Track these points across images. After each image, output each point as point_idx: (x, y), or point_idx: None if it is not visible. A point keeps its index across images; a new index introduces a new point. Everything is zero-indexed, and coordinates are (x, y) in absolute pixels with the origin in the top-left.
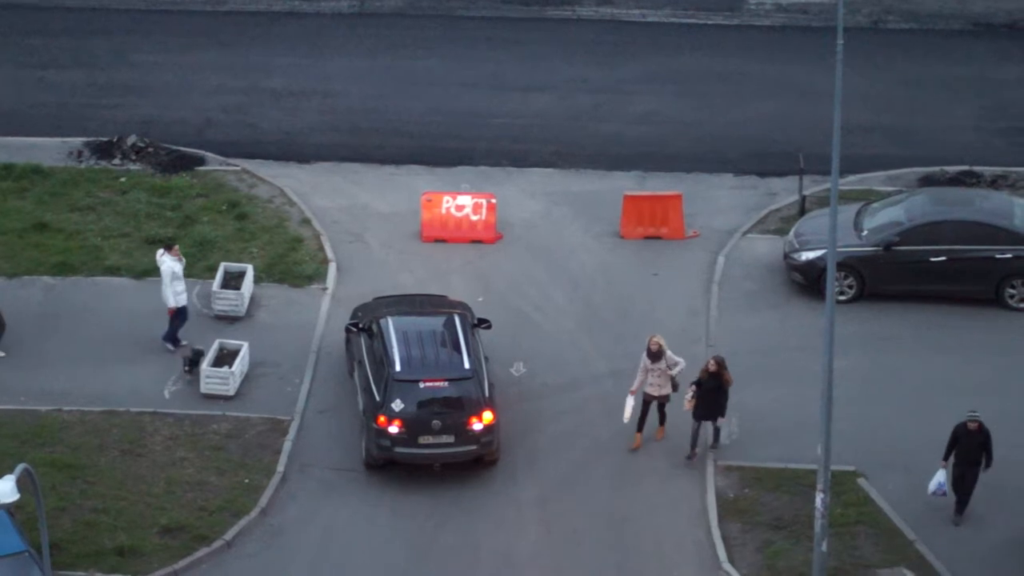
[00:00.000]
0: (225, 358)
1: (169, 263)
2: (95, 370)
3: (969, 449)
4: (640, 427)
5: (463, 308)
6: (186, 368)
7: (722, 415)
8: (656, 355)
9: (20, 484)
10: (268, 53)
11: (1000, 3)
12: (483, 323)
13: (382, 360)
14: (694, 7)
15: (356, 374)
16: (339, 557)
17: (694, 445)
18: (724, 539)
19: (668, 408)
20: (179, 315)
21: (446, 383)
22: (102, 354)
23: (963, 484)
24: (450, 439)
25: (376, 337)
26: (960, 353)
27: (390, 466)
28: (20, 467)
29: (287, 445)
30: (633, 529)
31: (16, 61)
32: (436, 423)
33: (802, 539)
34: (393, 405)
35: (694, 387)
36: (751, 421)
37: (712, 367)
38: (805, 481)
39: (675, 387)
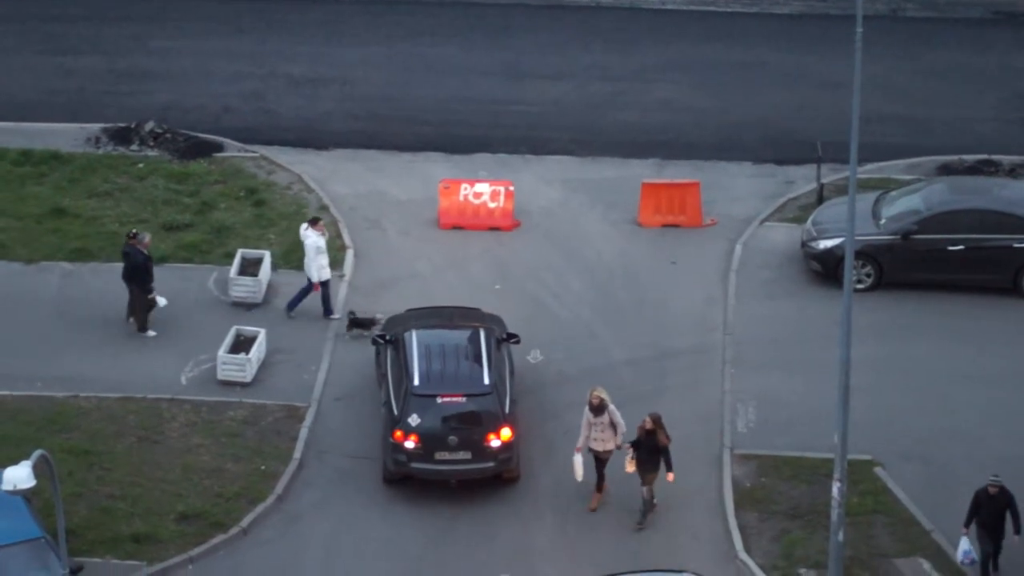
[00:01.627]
0: (242, 345)
1: (314, 238)
2: (112, 356)
3: (992, 514)
4: (598, 486)
5: (493, 321)
6: (349, 328)
7: (669, 470)
8: (598, 409)
9: (37, 470)
10: (286, 40)
11: None
12: (512, 338)
13: (403, 374)
14: None
15: (381, 387)
16: (355, 544)
17: (646, 512)
18: (740, 528)
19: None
20: (324, 287)
21: (464, 398)
22: (119, 340)
23: (991, 548)
24: (467, 455)
25: (400, 350)
26: (978, 342)
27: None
28: (37, 453)
29: (304, 432)
30: (649, 518)
31: (35, 47)
32: (453, 439)
33: (818, 528)
34: (410, 420)
35: (631, 447)
36: (768, 410)
37: (648, 425)
38: (822, 470)
39: (618, 446)
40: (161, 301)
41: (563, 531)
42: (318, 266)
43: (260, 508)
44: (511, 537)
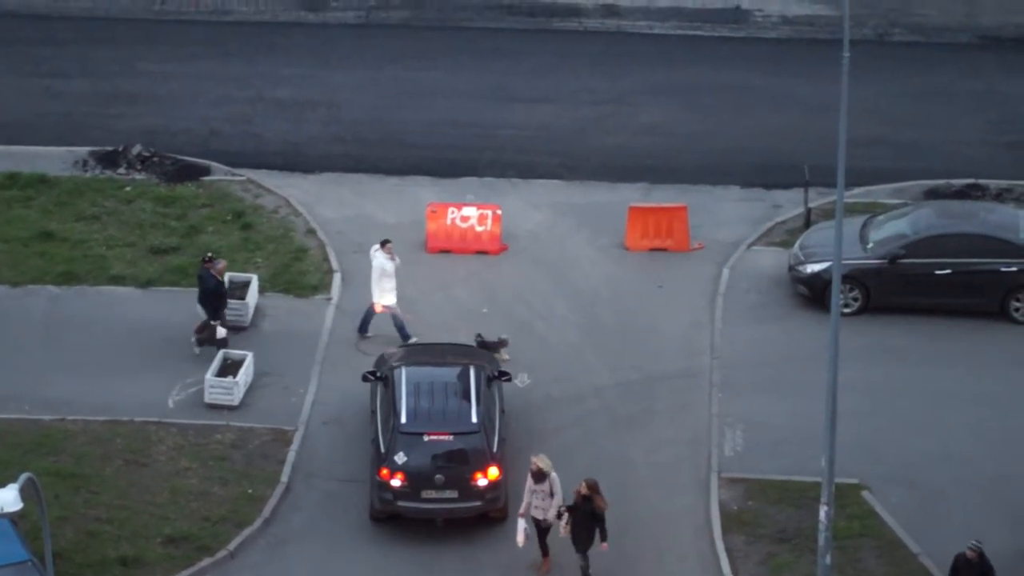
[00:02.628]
0: (229, 368)
1: (380, 260)
2: (99, 379)
3: None
4: (544, 551)
5: (484, 359)
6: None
7: (603, 539)
8: (538, 476)
9: (24, 493)
10: (274, 63)
11: (1008, 16)
12: (503, 376)
13: (391, 411)
14: (700, 19)
15: (371, 423)
16: (342, 569)
17: None
18: (728, 551)
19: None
20: (372, 313)
21: (451, 437)
22: (106, 363)
23: None
24: (453, 494)
25: (389, 387)
26: (965, 366)
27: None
28: (24, 476)
29: (291, 455)
30: (636, 541)
31: (22, 70)
32: (439, 477)
33: (806, 552)
34: (396, 458)
35: (566, 512)
36: (755, 433)
37: (583, 491)
38: (809, 494)
39: (559, 516)
40: (221, 332)
41: (551, 554)
42: (381, 289)
43: (247, 532)
44: (498, 561)
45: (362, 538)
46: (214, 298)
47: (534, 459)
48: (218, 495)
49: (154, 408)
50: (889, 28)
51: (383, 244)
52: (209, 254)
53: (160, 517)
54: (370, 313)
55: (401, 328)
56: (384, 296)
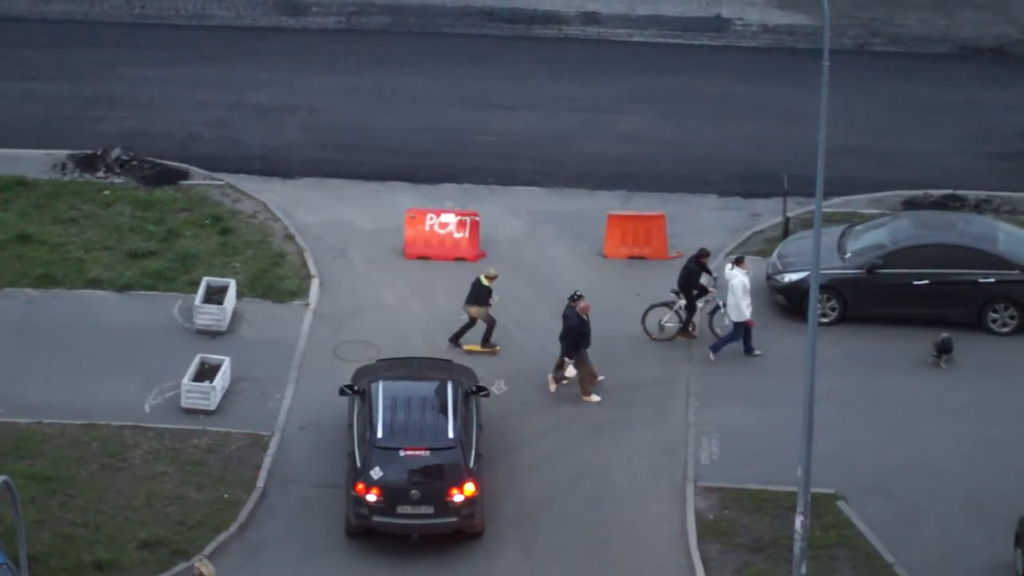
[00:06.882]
0: (206, 373)
1: (740, 277)
2: (76, 383)
3: None
4: None
5: (462, 374)
6: (936, 355)
7: None
8: None
9: None
10: (253, 68)
11: (987, 28)
12: (481, 391)
13: (367, 425)
14: (680, 27)
15: (347, 437)
16: (317, 574)
17: None
18: (703, 560)
19: None
20: (745, 327)
21: (427, 452)
22: (83, 367)
23: None
24: (429, 510)
25: (366, 401)
26: (941, 377)
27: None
28: None
29: (267, 460)
30: (613, 550)
31: (1, 73)
32: (415, 493)
33: (781, 561)
34: (372, 472)
35: None
36: (732, 442)
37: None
38: (785, 503)
39: None
40: (570, 371)
41: (527, 561)
42: (742, 305)
43: (223, 537)
44: (474, 566)
45: (337, 544)
46: (576, 336)
47: (197, 564)
48: (194, 500)
49: (131, 412)
50: (869, 38)
51: (738, 262)
52: (577, 292)
53: (136, 521)
54: (748, 328)
55: (727, 340)
56: (746, 311)
